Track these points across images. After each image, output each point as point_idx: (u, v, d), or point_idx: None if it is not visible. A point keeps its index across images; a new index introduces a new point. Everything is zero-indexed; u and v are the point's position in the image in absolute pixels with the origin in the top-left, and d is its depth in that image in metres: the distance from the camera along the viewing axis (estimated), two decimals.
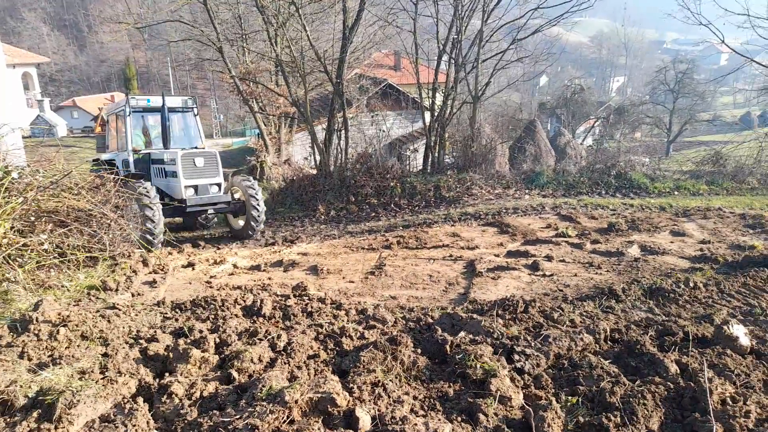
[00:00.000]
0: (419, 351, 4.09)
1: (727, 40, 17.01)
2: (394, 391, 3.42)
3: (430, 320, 4.90)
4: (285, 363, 3.85)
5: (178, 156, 10.19)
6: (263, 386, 3.29)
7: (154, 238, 9.21)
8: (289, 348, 4.10)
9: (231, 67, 19.84)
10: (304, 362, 3.91)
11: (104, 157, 12.03)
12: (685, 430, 3.09)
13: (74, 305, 5.09)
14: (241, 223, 11.79)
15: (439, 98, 18.12)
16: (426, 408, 3.33)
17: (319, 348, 4.23)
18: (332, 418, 3.05)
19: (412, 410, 3.25)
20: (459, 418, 3.18)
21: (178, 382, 3.50)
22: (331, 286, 6.90)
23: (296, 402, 3.04)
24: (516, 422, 3.16)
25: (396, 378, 3.66)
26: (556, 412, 3.12)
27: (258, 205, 11.21)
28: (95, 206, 6.84)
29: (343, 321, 4.95)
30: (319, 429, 2.92)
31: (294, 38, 17.83)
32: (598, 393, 3.35)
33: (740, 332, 4.09)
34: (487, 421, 3.13)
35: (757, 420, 3.09)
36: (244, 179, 11.73)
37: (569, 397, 3.39)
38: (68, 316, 4.42)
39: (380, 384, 3.49)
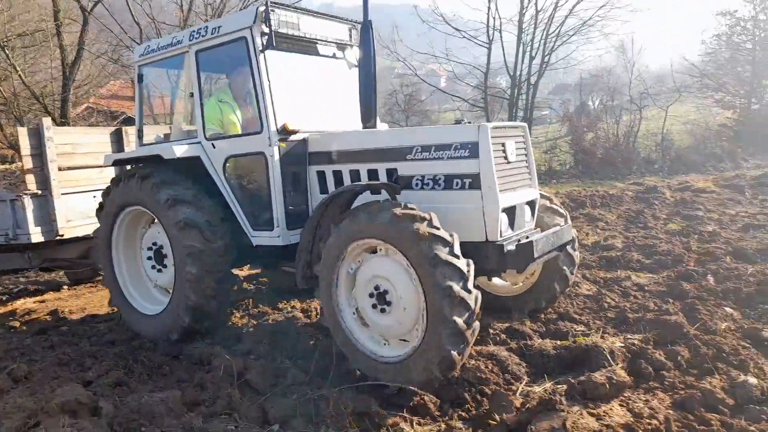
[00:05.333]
0: None
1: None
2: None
3: None
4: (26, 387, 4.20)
5: (486, 134, 4.09)
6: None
7: (467, 330, 3.60)
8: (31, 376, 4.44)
9: None
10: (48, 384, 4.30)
11: (166, 151, 5.08)
12: None
13: None
14: (508, 285, 5.45)
15: None
16: None
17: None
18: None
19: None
20: None
21: None
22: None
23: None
24: None
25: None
26: None
27: (574, 249, 5.25)
28: None
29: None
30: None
31: (2, 76, 16.18)
32: None
33: None
34: None
35: None
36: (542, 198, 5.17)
37: None
38: None
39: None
